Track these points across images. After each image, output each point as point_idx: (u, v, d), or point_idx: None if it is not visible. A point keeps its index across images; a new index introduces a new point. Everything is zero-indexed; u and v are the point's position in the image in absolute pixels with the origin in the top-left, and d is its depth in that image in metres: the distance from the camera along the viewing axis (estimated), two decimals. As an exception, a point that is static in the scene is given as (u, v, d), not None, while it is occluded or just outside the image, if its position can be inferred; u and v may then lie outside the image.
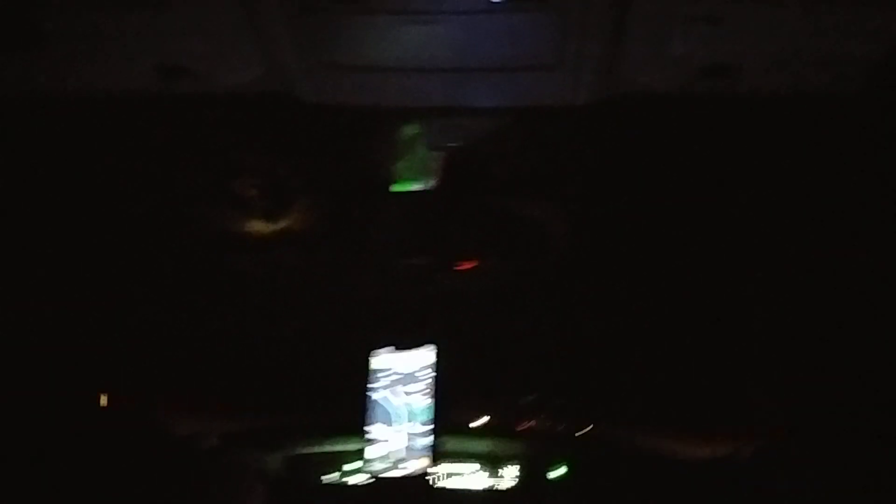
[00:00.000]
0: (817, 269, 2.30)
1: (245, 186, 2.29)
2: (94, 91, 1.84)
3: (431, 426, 2.50)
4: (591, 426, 3.22)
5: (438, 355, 2.59)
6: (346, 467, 3.03)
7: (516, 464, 3.18)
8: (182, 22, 1.60)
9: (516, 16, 1.60)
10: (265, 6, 1.58)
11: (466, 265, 2.44)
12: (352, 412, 2.64)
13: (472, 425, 3.27)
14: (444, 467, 2.90)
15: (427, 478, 2.73)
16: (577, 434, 3.27)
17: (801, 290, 2.44)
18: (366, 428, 2.54)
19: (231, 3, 1.57)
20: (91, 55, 1.72)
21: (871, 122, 1.87)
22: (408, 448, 2.49)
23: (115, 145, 2.13)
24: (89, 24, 1.62)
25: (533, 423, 3.37)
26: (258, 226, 2.42)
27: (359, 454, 2.68)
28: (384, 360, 2.61)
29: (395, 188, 2.30)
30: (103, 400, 2.76)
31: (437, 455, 2.53)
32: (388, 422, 2.49)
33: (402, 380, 2.56)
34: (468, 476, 3.08)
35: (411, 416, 2.50)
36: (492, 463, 3.17)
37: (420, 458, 2.49)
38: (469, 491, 3.06)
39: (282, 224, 2.42)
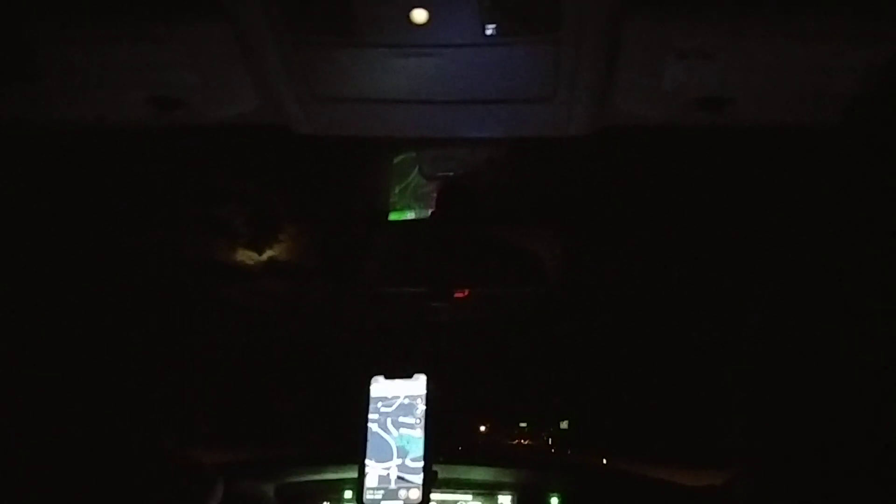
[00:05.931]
0: (811, 302, 2.30)
1: (237, 215, 2.30)
2: (86, 122, 1.84)
3: (425, 455, 2.46)
4: (587, 455, 3.21)
5: (431, 384, 2.56)
6: (340, 497, 3.01)
7: (512, 493, 3.16)
8: (176, 55, 1.60)
9: (509, 49, 1.60)
10: (259, 39, 1.59)
11: (461, 294, 2.44)
12: (345, 442, 2.62)
13: (466, 454, 3.25)
14: (438, 496, 2.87)
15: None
16: (573, 463, 3.25)
17: (796, 322, 2.44)
18: (359, 458, 2.50)
19: (225, 36, 1.57)
20: (85, 87, 1.71)
21: (864, 153, 1.89)
22: (400, 478, 2.46)
23: (106, 175, 2.14)
24: (83, 56, 1.62)
25: (528, 451, 3.35)
26: (251, 255, 2.42)
27: (352, 484, 2.66)
28: (377, 390, 2.59)
29: (390, 217, 2.30)
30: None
31: (432, 484, 2.48)
32: (381, 451, 2.46)
33: (395, 409, 2.53)
34: (463, 506, 3.06)
35: (404, 446, 2.47)
36: (487, 492, 3.14)
37: (414, 488, 2.45)
38: (464, 521, 3.03)
39: (275, 253, 2.42)
